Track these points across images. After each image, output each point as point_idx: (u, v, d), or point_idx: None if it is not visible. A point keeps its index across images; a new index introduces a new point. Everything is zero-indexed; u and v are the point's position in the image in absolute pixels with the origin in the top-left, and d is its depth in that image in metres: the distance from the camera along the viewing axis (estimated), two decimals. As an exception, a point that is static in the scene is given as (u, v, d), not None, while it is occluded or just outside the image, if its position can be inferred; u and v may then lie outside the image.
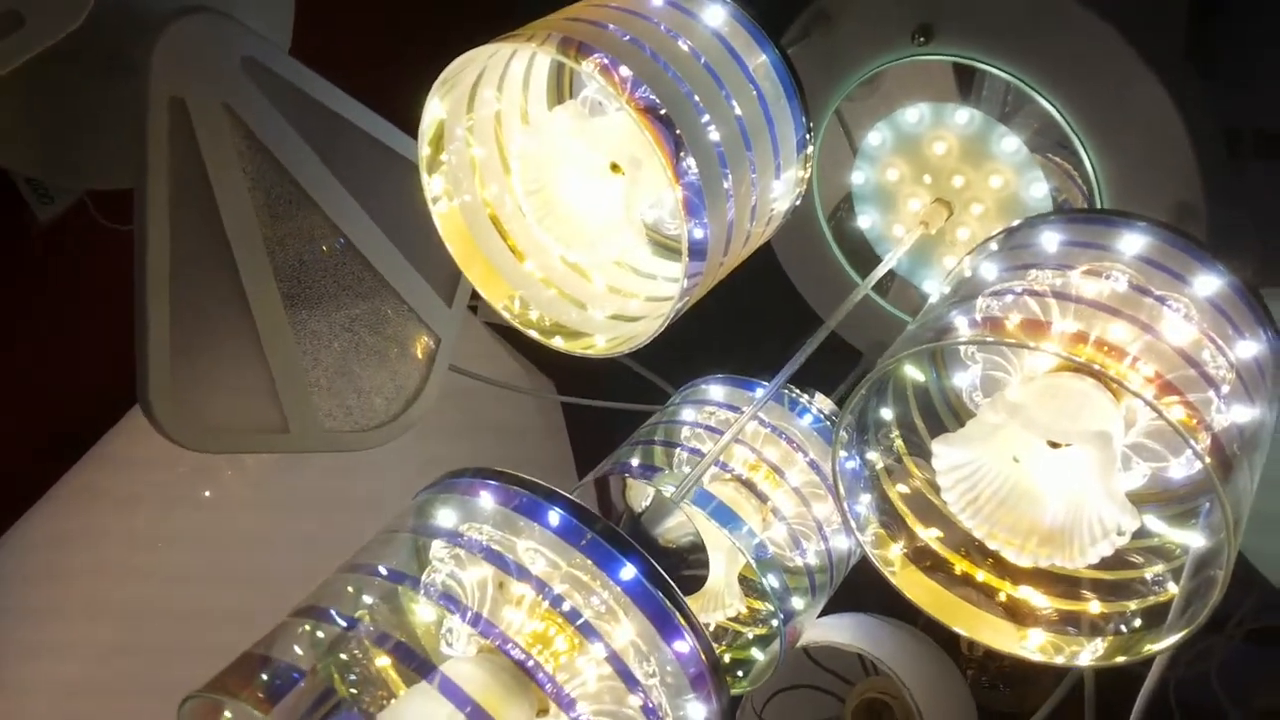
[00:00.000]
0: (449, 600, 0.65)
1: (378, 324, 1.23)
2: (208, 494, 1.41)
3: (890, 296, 1.27)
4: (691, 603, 1.10)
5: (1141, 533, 0.74)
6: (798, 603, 1.02)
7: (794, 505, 1.06)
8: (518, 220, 0.92)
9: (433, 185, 0.89)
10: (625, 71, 0.77)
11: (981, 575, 0.76)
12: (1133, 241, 0.76)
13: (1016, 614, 0.73)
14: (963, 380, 0.85)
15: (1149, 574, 0.73)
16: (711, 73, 0.83)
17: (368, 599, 0.65)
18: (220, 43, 1.07)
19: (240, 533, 1.42)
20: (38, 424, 1.56)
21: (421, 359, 1.28)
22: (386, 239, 1.21)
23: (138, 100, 1.03)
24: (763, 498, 1.05)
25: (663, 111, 0.78)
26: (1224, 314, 0.73)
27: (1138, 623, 0.70)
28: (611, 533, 0.64)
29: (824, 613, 1.23)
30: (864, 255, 1.27)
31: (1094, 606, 0.73)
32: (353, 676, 0.64)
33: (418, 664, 0.62)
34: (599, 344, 0.91)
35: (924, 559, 0.78)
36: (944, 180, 1.18)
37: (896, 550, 0.79)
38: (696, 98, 0.80)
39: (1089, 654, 0.71)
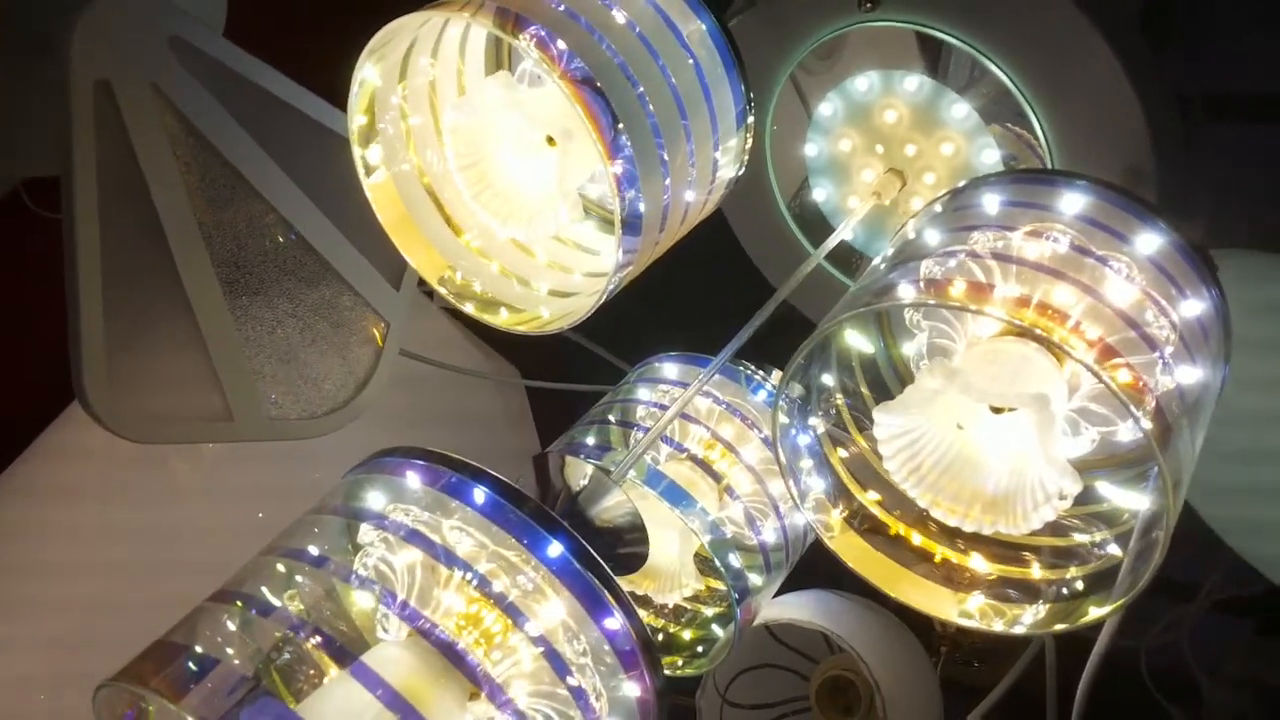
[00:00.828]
0: (375, 585, 0.64)
1: (324, 309, 1.21)
2: (154, 485, 1.39)
3: (858, 274, 1.25)
4: (648, 583, 1.09)
5: (1087, 498, 0.72)
6: (754, 580, 1.01)
7: (750, 482, 1.05)
8: (454, 193, 0.89)
9: (368, 156, 0.87)
10: (562, 45, 0.75)
11: (918, 538, 0.74)
12: (1073, 201, 0.75)
13: (955, 579, 0.72)
14: (910, 349, 0.84)
15: (1092, 539, 0.72)
16: (645, 42, 0.81)
17: (293, 582, 0.63)
18: (145, 21, 1.04)
19: (188, 524, 1.39)
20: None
21: (371, 344, 1.25)
22: (329, 222, 1.18)
23: (62, 84, 1.00)
24: (718, 476, 1.04)
25: (597, 84, 0.76)
26: (1165, 273, 0.72)
27: (1080, 586, 0.69)
28: (540, 511, 0.62)
29: (791, 589, 1.22)
30: (821, 229, 1.26)
31: (1035, 571, 0.72)
32: (282, 660, 0.62)
33: (336, 651, 0.60)
34: (544, 315, 0.89)
35: (863, 523, 0.77)
36: (896, 150, 1.16)
37: (836, 515, 0.78)
38: (630, 69, 0.78)
39: (1029, 618, 0.69)
